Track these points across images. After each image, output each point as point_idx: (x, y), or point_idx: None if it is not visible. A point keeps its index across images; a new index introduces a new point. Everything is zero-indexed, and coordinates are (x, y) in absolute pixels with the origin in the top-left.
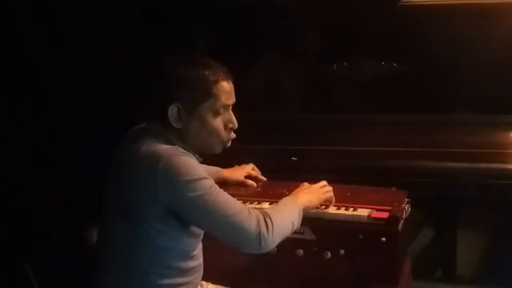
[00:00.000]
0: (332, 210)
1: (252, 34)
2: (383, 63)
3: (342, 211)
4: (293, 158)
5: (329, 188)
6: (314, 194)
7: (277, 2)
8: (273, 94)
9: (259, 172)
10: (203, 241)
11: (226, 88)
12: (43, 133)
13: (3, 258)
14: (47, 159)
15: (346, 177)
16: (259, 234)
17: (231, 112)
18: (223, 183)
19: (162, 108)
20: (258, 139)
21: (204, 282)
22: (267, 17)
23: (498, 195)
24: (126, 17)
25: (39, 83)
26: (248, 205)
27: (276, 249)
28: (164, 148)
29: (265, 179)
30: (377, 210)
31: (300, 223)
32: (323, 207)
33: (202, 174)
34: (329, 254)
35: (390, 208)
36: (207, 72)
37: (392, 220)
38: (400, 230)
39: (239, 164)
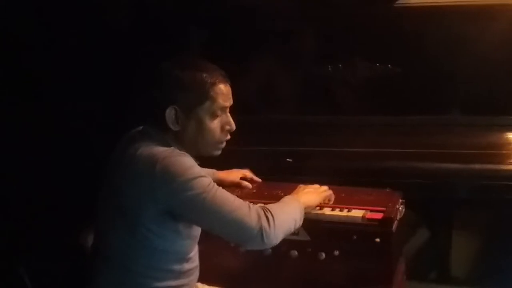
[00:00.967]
0: (326, 211)
1: (248, 36)
2: (378, 64)
3: (336, 212)
4: (288, 159)
5: (326, 187)
6: (313, 193)
7: (273, 4)
8: (268, 96)
9: (254, 176)
10: (199, 243)
11: (223, 91)
12: (37, 135)
13: None
14: (41, 161)
15: (340, 178)
16: (261, 228)
17: (228, 114)
18: (219, 184)
19: (159, 110)
20: (253, 140)
21: (199, 284)
22: (262, 19)
23: (491, 195)
24: (122, 19)
25: (33, 84)
26: None
27: (270, 250)
28: (160, 150)
29: (260, 180)
30: (371, 211)
31: (302, 221)
32: (318, 207)
33: (199, 173)
34: (324, 255)
35: (384, 209)
36: (204, 75)
37: (386, 221)
38: (394, 231)
39: (235, 166)
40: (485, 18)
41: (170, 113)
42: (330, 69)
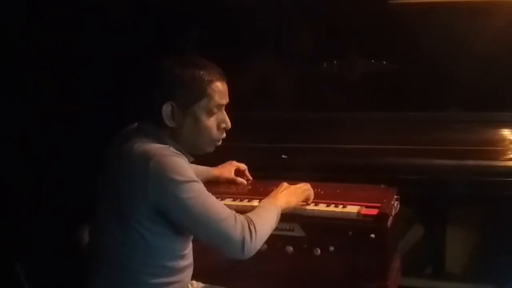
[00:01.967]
0: (321, 207)
1: (244, 33)
2: (373, 61)
3: (331, 208)
4: (283, 156)
5: (307, 187)
6: (292, 195)
7: (268, 1)
8: (264, 93)
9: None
10: (192, 240)
11: (220, 88)
12: (34, 133)
13: None
14: (37, 159)
15: (336, 174)
16: (243, 241)
17: (224, 112)
18: (214, 182)
19: (156, 107)
20: (248, 137)
21: (194, 282)
22: (258, 16)
23: (486, 192)
24: (121, 18)
25: (30, 82)
26: (239, 203)
27: (266, 246)
28: (155, 147)
29: (251, 178)
30: (366, 207)
31: (276, 225)
32: (305, 203)
33: (192, 177)
34: (319, 251)
35: (379, 205)
36: (202, 72)
37: (381, 216)
38: (389, 226)
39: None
40: (480, 14)
41: (166, 109)
42: (325, 66)
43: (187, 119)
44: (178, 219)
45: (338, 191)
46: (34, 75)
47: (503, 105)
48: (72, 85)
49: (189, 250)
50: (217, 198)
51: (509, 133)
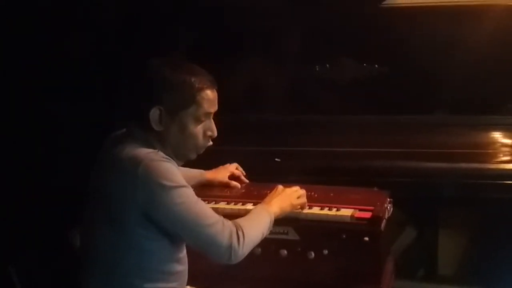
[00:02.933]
0: (315, 210)
1: (236, 35)
2: (365, 64)
3: (325, 211)
4: (276, 159)
5: (302, 192)
6: (286, 201)
7: (259, 3)
8: (256, 96)
9: (243, 172)
10: (186, 245)
11: (210, 96)
12: (25, 136)
13: None
14: (31, 161)
15: (329, 177)
16: (230, 247)
17: (212, 120)
18: (207, 185)
19: (144, 110)
20: (241, 140)
21: (189, 287)
22: (249, 18)
23: (478, 194)
24: (111, 19)
25: (18, 86)
26: (233, 206)
27: (260, 249)
28: (144, 152)
29: (247, 181)
30: (360, 210)
31: (269, 231)
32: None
33: (181, 182)
34: (313, 254)
35: (372, 208)
36: (193, 79)
37: (375, 219)
38: (382, 229)
39: (222, 165)
40: (470, 18)
41: (154, 113)
42: (317, 69)
43: (174, 124)
44: (166, 224)
45: (331, 194)
46: (20, 78)
47: (495, 108)
48: (64, 87)
49: (183, 254)
50: (210, 201)
51: (501, 136)
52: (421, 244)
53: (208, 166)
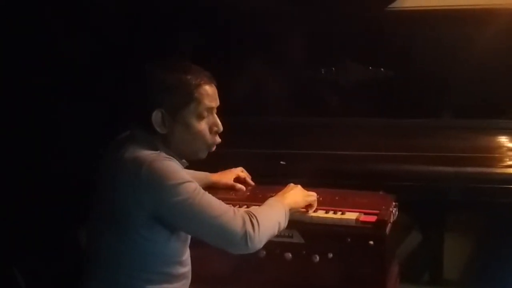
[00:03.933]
0: (320, 213)
1: (240, 38)
2: (370, 68)
3: (330, 214)
4: (281, 162)
5: (313, 192)
6: (299, 195)
7: (264, 6)
8: (261, 98)
9: (249, 175)
10: (190, 248)
11: (208, 91)
12: (30, 137)
13: None
14: (34, 162)
15: (334, 181)
16: (245, 233)
17: (215, 115)
18: (213, 188)
19: (146, 114)
20: (246, 143)
21: None
22: (254, 21)
23: (484, 198)
24: (111, 22)
25: (19, 86)
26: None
27: (264, 252)
28: (146, 154)
29: (253, 183)
30: (365, 213)
31: (287, 223)
32: (306, 210)
33: (185, 178)
34: (318, 258)
35: (378, 211)
36: (189, 77)
37: (380, 223)
38: (387, 233)
39: (227, 168)
40: (476, 22)
41: (156, 116)
42: (323, 71)
43: (177, 124)
44: (177, 223)
45: (336, 197)
46: (21, 80)
47: (501, 112)
48: (66, 89)
49: (187, 256)
50: None
51: (507, 140)
52: (426, 248)
53: (213, 169)
